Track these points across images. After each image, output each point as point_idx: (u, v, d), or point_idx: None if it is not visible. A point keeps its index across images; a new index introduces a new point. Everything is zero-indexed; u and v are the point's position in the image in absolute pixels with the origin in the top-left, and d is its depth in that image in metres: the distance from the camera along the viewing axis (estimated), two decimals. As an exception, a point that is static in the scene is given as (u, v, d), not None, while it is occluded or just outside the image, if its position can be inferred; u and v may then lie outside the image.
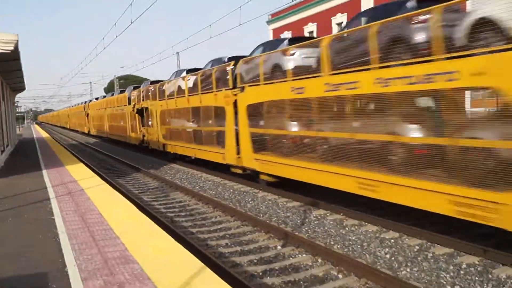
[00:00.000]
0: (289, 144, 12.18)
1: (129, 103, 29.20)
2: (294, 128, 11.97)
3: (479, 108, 8.05)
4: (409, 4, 9.34)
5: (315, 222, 9.78)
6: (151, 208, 11.84)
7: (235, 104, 14.20)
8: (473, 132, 7.29)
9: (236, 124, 14.23)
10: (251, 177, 14.07)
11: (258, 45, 15.62)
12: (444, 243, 7.78)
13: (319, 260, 7.65)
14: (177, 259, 5.85)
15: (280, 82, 12.13)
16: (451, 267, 6.92)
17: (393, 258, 7.51)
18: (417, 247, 7.79)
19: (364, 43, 9.03)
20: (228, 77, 15.33)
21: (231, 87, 14.84)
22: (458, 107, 7.75)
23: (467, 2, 7.56)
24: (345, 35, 10.30)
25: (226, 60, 17.36)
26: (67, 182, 12.81)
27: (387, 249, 7.87)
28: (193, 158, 18.65)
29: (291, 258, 7.88)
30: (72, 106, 72.86)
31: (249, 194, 12.95)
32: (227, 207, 11.42)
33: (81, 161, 20.08)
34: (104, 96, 45.41)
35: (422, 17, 8.00)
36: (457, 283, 6.45)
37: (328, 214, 10.15)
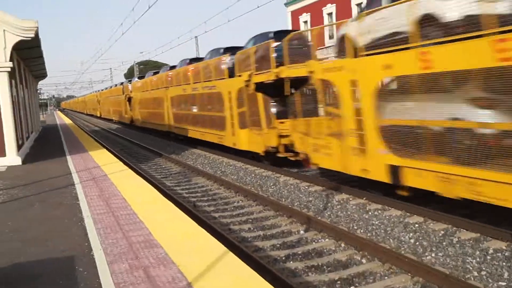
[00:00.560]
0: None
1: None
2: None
3: None
4: None
5: (338, 207, 9.72)
6: (174, 193, 11.94)
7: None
8: None
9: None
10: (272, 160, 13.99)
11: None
12: (469, 227, 7.63)
13: (342, 245, 7.61)
14: (200, 244, 5.88)
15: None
16: (478, 252, 6.79)
17: (417, 243, 7.42)
18: (442, 232, 7.67)
19: None
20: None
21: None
22: None
23: None
24: None
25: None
26: (91, 167, 12.97)
27: (411, 234, 7.78)
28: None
29: (314, 243, 7.86)
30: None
31: (270, 178, 12.93)
32: (249, 192, 11.43)
33: (104, 147, 20.32)
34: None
35: None
36: (483, 268, 6.33)
37: (350, 199, 10.07)
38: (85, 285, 4.81)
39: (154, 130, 28.88)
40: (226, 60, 17.05)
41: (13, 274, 5.26)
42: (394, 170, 8.78)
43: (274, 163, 14.01)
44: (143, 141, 25.80)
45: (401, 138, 8.66)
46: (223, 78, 16.95)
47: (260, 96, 14.34)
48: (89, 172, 12.07)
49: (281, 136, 13.42)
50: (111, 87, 53.69)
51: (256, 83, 14.28)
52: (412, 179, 8.44)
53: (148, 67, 62.77)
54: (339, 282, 6.30)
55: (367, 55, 9.41)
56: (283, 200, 10.78)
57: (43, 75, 33.26)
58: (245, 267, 5.06)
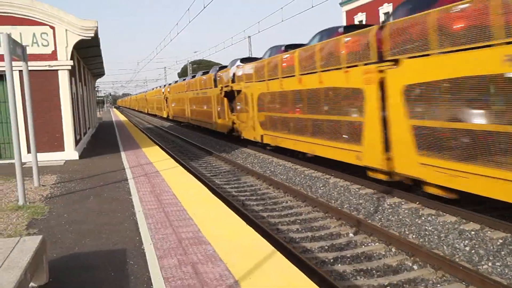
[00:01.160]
0: None
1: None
2: None
3: None
4: None
5: (389, 210, 9.48)
6: (223, 191, 12.04)
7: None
8: None
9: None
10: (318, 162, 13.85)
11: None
12: (531, 237, 7.25)
13: (393, 250, 7.41)
14: (248, 242, 5.88)
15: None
16: (539, 264, 6.44)
17: (473, 251, 7.12)
18: (500, 241, 7.31)
19: None
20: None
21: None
22: None
23: None
24: None
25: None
26: (143, 163, 13.30)
27: (466, 241, 7.47)
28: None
29: (363, 246, 7.70)
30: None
31: (320, 179, 12.80)
32: (298, 192, 11.35)
33: (156, 143, 20.79)
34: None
35: None
36: (545, 280, 6.00)
37: (403, 203, 9.80)
38: (135, 278, 4.92)
39: (179, 121, 39.96)
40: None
41: (70, 264, 5.45)
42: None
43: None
44: (194, 139, 26.23)
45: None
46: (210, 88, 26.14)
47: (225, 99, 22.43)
48: (142, 168, 12.38)
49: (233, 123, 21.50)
50: (160, 86, 61.70)
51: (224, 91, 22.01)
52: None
53: (201, 66, 63.87)
54: (388, 287, 6.14)
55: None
56: (333, 201, 10.64)
57: (101, 74, 34.48)
58: (292, 267, 5.01)
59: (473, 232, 7.78)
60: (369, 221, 8.90)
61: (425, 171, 8.80)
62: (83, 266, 5.35)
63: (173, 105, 42.25)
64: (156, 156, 15.04)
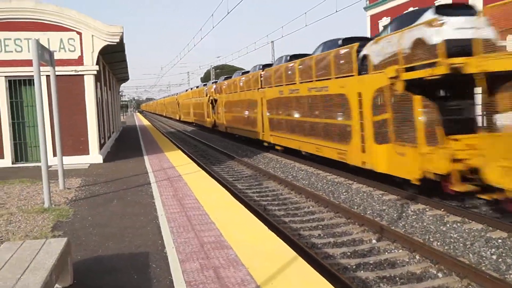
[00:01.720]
0: None
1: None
2: None
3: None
4: None
5: (413, 217, 9.34)
6: (245, 196, 12.04)
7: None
8: None
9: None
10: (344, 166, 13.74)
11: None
12: (560, 246, 7.06)
13: (417, 257, 7.29)
14: (270, 247, 5.86)
15: None
16: None
17: (500, 260, 6.96)
18: (528, 249, 7.15)
19: None
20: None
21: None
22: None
23: None
24: None
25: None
26: (166, 167, 13.41)
27: (493, 250, 7.31)
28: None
29: (386, 253, 7.60)
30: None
31: (342, 185, 12.70)
32: (320, 198, 11.28)
33: (179, 148, 20.95)
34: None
35: None
36: None
37: (427, 209, 9.64)
38: (158, 281, 4.95)
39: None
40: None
41: (94, 266, 5.52)
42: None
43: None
44: (216, 144, 26.34)
45: None
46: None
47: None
48: (164, 172, 12.48)
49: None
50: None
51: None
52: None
53: (224, 71, 64.15)
54: (412, 295, 6.04)
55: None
56: (355, 207, 10.54)
57: (125, 78, 34.97)
58: (314, 273, 4.97)
59: (500, 240, 7.62)
60: (393, 227, 8.79)
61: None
62: (107, 269, 5.40)
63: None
64: (178, 160, 15.15)
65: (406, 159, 10.36)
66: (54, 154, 12.43)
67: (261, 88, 22.02)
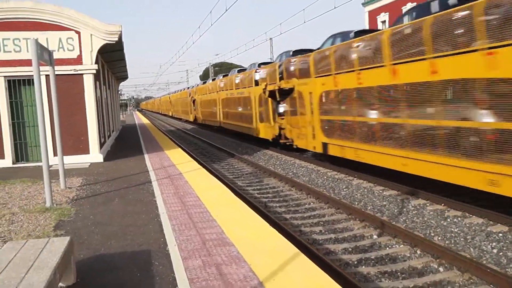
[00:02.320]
0: None
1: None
2: None
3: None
4: None
5: (414, 212, 9.37)
6: (246, 193, 12.07)
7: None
8: None
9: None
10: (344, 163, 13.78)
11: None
12: (561, 239, 7.09)
13: (418, 252, 7.33)
14: (271, 244, 5.88)
15: None
16: None
17: (501, 254, 6.99)
18: (529, 243, 7.18)
19: None
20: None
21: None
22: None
23: None
24: None
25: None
26: (166, 166, 13.43)
27: (494, 244, 7.34)
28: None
29: (387, 248, 7.63)
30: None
31: (343, 181, 12.73)
32: (320, 194, 11.31)
33: (179, 146, 20.96)
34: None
35: None
36: None
37: (427, 204, 9.68)
38: (161, 279, 4.97)
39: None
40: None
41: (96, 265, 5.54)
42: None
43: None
44: (216, 142, 26.36)
45: None
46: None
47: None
48: (165, 170, 12.50)
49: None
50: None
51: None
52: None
53: (222, 69, 64.12)
54: (414, 290, 6.07)
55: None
56: (356, 203, 10.57)
57: (124, 77, 34.94)
58: (316, 269, 4.99)
59: (500, 234, 7.65)
60: (393, 222, 8.82)
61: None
62: (109, 267, 5.43)
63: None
64: (179, 158, 15.17)
65: (267, 129, 20.40)
66: (55, 154, 12.46)
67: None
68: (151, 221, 7.39)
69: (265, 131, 20.73)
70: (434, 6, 12.01)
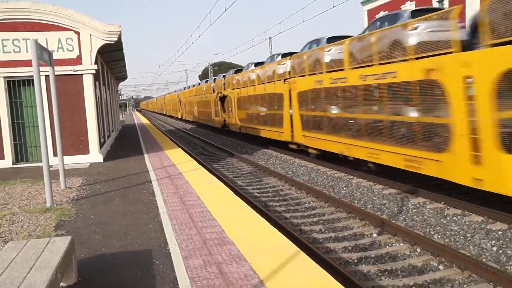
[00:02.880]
0: None
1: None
2: None
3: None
4: None
5: (413, 211, 9.39)
6: (246, 192, 12.09)
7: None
8: None
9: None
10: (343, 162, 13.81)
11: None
12: (560, 237, 7.12)
13: (418, 250, 7.35)
14: (271, 243, 5.90)
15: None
16: None
17: (500, 251, 7.01)
18: (528, 241, 7.20)
19: None
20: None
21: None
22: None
23: None
24: None
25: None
26: (166, 165, 13.44)
27: (493, 241, 7.36)
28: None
29: (387, 247, 7.66)
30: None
31: (343, 180, 12.75)
32: (320, 193, 11.33)
33: (179, 146, 20.97)
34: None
35: None
36: None
37: (427, 203, 9.70)
38: (162, 278, 4.99)
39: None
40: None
41: (97, 264, 5.56)
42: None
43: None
44: (216, 141, 26.38)
45: None
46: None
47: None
48: (165, 170, 12.51)
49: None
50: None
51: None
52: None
53: (222, 69, 64.09)
54: (414, 287, 6.09)
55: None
56: (356, 202, 10.59)
57: (124, 77, 34.94)
58: (317, 267, 5.01)
59: (500, 232, 7.67)
60: (393, 221, 8.84)
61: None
62: (110, 267, 5.44)
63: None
64: (179, 158, 15.18)
65: (218, 120, 30.61)
66: (55, 154, 12.47)
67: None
68: (151, 220, 7.40)
69: (218, 122, 31.09)
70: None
